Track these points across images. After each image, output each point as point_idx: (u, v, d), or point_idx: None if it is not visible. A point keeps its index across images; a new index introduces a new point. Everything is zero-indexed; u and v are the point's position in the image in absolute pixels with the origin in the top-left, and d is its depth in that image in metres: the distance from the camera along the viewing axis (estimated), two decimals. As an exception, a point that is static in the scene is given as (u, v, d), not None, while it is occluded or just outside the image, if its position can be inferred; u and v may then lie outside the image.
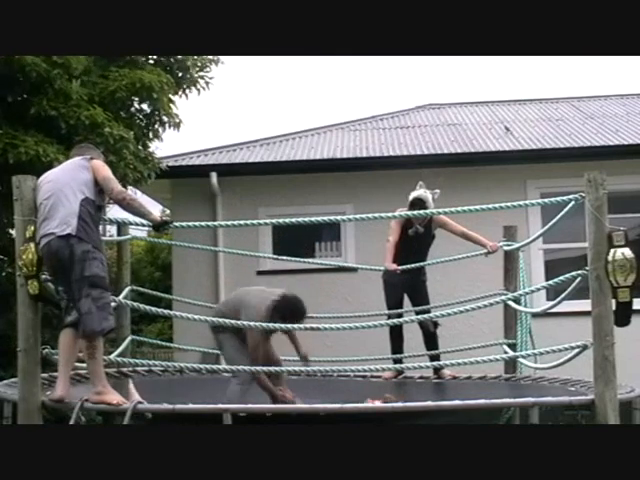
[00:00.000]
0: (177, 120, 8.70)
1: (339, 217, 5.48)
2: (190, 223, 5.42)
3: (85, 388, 5.21)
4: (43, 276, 4.80)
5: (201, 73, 9.09)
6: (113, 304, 5.00)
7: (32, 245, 4.73)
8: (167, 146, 9.74)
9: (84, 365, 5.01)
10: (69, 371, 4.91)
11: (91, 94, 7.78)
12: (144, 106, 8.63)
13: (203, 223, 5.88)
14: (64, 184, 4.74)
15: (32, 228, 4.76)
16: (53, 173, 4.94)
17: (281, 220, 5.72)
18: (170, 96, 8.57)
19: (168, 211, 14.28)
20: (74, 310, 4.73)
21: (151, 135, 8.80)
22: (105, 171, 4.85)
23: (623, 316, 4.62)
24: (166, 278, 14.80)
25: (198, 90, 9.12)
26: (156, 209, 15.77)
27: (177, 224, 5.23)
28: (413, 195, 7.19)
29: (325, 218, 5.38)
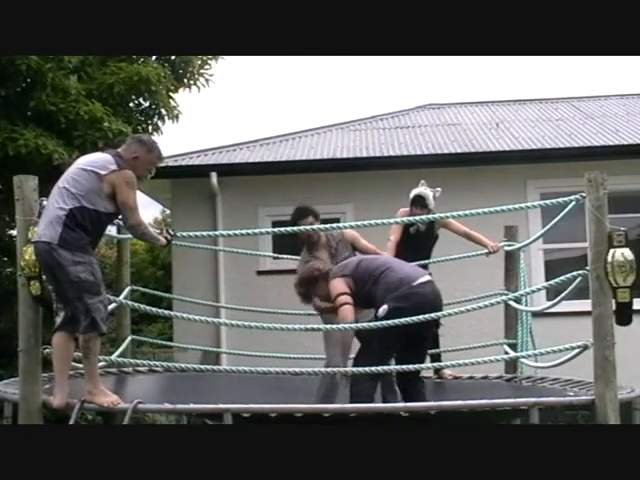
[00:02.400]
0: (176, 112, 8.70)
1: (340, 224, 5.54)
2: (192, 233, 5.52)
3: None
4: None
5: (202, 70, 9.10)
6: (114, 304, 5.01)
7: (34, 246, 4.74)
8: (167, 145, 9.74)
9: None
10: (66, 375, 4.87)
11: (89, 89, 7.79)
12: (142, 101, 8.63)
13: (205, 233, 5.94)
14: (65, 185, 4.67)
15: (35, 229, 4.76)
16: (69, 169, 4.81)
17: (282, 229, 5.80)
18: (169, 89, 8.57)
19: (168, 211, 14.28)
20: (62, 311, 4.73)
21: (150, 129, 8.79)
22: (125, 194, 4.62)
23: (623, 316, 4.63)
24: (167, 277, 14.81)
25: (198, 88, 9.14)
26: (156, 209, 15.79)
27: (179, 234, 5.27)
28: (414, 192, 7.20)
29: (327, 226, 5.49)
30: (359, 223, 5.57)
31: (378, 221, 5.46)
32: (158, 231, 5.08)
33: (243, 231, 6.20)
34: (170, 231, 5.08)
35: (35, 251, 4.68)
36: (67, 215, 4.57)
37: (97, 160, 4.74)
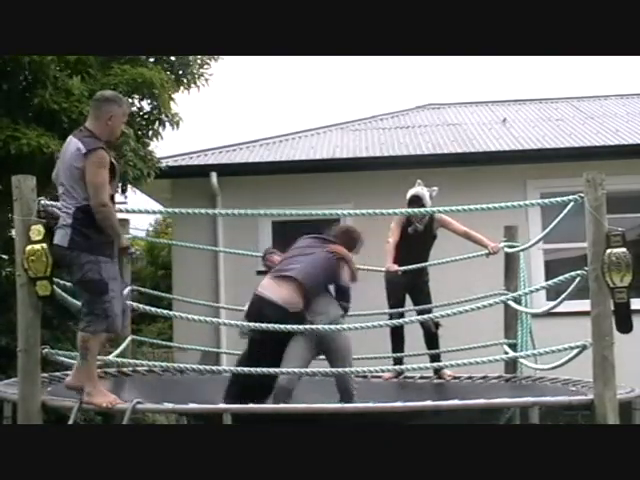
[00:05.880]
0: (177, 119, 8.71)
1: (339, 211, 5.51)
2: (190, 210, 5.46)
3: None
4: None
5: (201, 70, 9.10)
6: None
7: (43, 246, 4.73)
8: (167, 145, 9.80)
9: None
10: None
11: (92, 90, 7.79)
12: (144, 104, 8.65)
13: (203, 210, 5.91)
14: (64, 187, 4.67)
15: (42, 229, 4.76)
16: (62, 167, 4.75)
17: (280, 211, 5.76)
18: (171, 94, 8.58)
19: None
20: None
21: (151, 134, 8.81)
22: (91, 173, 4.52)
23: (623, 319, 4.62)
24: (168, 276, 14.81)
25: (198, 87, 9.13)
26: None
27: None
28: (410, 192, 7.21)
29: (325, 211, 5.49)
30: (357, 211, 5.54)
31: (377, 211, 5.41)
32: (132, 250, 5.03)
33: (242, 211, 6.15)
34: (136, 252, 4.97)
35: (54, 252, 4.72)
36: (74, 217, 4.60)
37: (72, 154, 4.63)
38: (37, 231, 4.75)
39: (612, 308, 4.63)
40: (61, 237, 4.65)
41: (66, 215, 4.64)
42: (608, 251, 4.56)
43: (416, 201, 7.10)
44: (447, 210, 5.59)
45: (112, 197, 4.81)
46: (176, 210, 5.80)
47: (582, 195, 4.75)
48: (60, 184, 4.71)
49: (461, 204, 5.45)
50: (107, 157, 4.63)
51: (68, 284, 5.02)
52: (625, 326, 4.64)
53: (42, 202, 4.87)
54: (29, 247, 4.75)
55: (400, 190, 7.48)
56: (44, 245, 4.72)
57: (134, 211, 6.47)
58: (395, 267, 7.10)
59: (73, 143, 4.68)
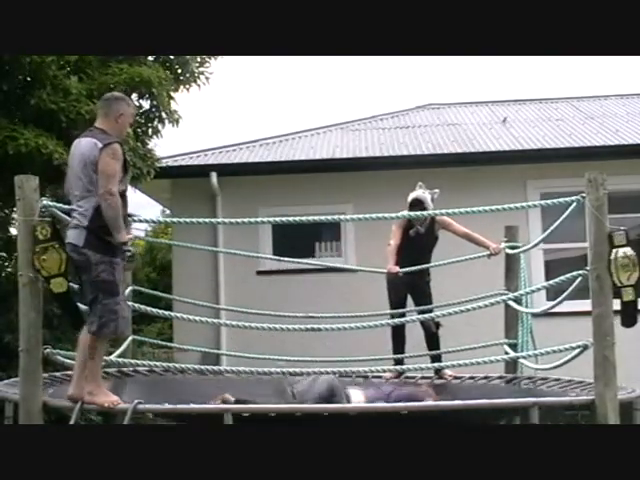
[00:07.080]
0: (176, 116, 8.71)
1: (340, 217, 5.48)
2: (194, 219, 5.43)
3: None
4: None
5: (201, 69, 9.09)
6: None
7: (54, 245, 4.73)
8: (167, 145, 9.81)
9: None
10: (85, 370, 4.85)
11: (90, 89, 7.79)
12: (143, 103, 8.64)
13: (200, 219, 5.90)
14: (78, 189, 4.67)
15: (49, 228, 4.75)
16: (73, 168, 4.77)
17: (284, 218, 5.75)
18: (170, 92, 8.57)
19: (168, 211, 14.29)
20: None
21: (150, 132, 8.80)
22: (104, 163, 4.58)
23: (629, 315, 4.64)
24: (164, 278, 14.79)
25: (198, 85, 9.13)
26: (156, 209, 15.79)
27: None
28: (412, 196, 7.20)
29: (328, 217, 5.43)
30: (361, 216, 5.53)
31: (379, 215, 5.42)
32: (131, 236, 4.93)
33: (246, 219, 6.14)
34: (133, 250, 4.84)
35: (68, 250, 4.72)
36: (91, 219, 4.61)
37: (88, 151, 4.68)
38: (44, 230, 4.76)
39: (618, 307, 4.65)
40: (76, 236, 4.66)
41: (82, 217, 4.64)
42: (614, 250, 4.58)
43: (418, 204, 7.08)
44: (450, 213, 5.61)
45: (123, 193, 4.80)
46: (180, 220, 5.72)
47: (584, 195, 4.75)
48: (77, 179, 4.68)
49: (461, 204, 5.48)
50: (121, 151, 4.71)
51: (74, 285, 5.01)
52: (630, 321, 4.68)
53: (45, 202, 4.88)
54: (39, 247, 4.75)
55: (400, 190, 7.49)
56: (54, 244, 4.74)
57: (138, 220, 6.44)
58: (396, 269, 7.09)
59: (85, 142, 4.74)
